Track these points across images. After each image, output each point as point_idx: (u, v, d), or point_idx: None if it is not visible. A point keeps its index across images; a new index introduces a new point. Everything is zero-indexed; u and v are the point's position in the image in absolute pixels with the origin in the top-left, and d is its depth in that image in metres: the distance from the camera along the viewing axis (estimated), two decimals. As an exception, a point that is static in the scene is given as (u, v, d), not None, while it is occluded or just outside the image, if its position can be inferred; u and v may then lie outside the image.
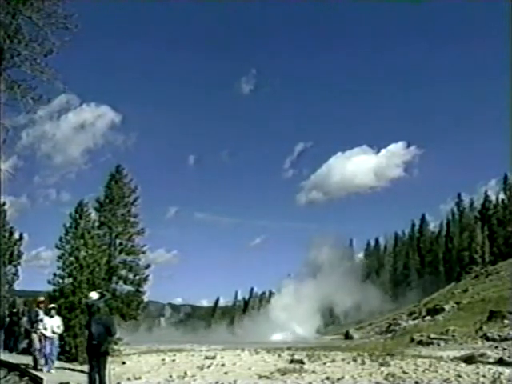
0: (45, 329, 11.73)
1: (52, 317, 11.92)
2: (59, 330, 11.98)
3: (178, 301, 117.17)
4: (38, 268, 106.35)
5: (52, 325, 11.81)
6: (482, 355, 14.69)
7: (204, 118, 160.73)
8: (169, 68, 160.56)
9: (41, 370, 11.29)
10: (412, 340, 24.83)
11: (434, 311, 39.65)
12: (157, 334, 67.55)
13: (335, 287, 61.32)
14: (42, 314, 12.06)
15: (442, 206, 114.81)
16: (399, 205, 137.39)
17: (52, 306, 12.29)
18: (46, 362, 11.52)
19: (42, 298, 13.30)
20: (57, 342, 12.10)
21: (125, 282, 19.28)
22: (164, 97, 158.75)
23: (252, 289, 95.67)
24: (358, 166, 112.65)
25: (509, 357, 15.16)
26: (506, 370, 12.09)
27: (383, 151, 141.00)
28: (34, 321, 12.02)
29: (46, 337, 11.65)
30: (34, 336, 11.85)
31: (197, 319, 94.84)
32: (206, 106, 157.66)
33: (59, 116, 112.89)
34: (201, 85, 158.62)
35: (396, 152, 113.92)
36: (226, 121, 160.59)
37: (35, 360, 11.71)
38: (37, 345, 11.71)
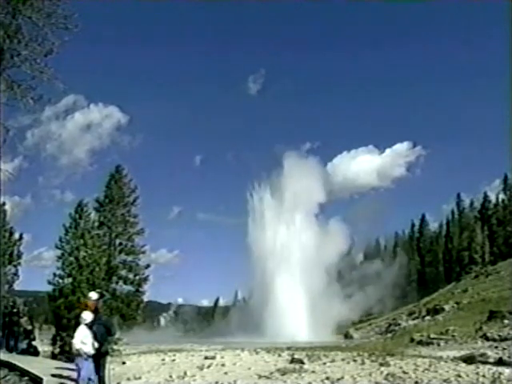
0: (83, 343, 8.29)
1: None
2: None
3: (179, 301, 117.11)
4: (40, 268, 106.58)
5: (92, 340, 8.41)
6: (481, 355, 14.65)
7: (211, 119, 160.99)
8: (176, 69, 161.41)
9: None
10: (412, 340, 24.86)
11: (434, 311, 39.69)
12: (157, 333, 67.43)
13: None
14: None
15: (445, 206, 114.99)
16: (401, 205, 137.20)
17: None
18: None
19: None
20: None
21: (125, 282, 19.31)
22: (171, 97, 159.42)
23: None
24: (361, 166, 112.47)
25: (509, 357, 15.13)
26: (506, 370, 12.05)
27: (388, 151, 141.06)
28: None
29: (79, 355, 8.35)
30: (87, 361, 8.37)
31: (197, 319, 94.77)
32: (212, 106, 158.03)
33: (65, 116, 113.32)
34: (208, 85, 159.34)
35: (401, 152, 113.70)
36: (233, 121, 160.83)
37: None
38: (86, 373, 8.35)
